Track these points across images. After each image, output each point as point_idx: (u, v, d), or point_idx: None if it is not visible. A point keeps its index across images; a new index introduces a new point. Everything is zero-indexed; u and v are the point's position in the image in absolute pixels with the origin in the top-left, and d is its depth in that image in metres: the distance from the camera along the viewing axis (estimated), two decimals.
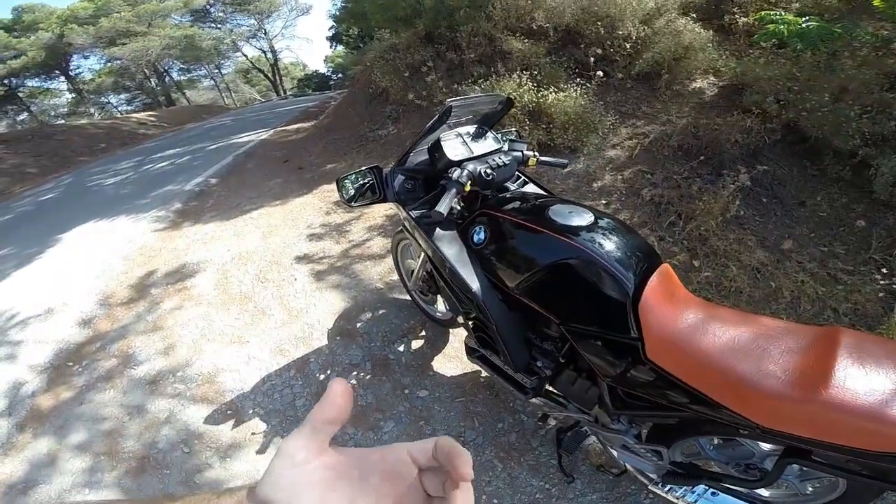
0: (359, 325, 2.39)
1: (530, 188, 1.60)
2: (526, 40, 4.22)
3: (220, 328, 2.53)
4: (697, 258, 2.45)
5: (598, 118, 3.38)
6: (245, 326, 2.51)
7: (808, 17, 2.75)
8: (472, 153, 1.46)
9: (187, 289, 2.98)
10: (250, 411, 1.96)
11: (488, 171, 1.37)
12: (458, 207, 1.50)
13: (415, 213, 1.48)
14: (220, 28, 27.05)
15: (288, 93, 30.37)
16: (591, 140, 3.34)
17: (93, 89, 26.79)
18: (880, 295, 2.07)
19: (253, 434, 1.86)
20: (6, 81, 22.06)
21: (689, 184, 2.80)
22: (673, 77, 3.70)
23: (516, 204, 1.37)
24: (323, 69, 36.79)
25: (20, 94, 24.08)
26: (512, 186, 1.58)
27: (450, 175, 1.32)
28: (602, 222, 1.21)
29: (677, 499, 1.21)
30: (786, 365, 0.87)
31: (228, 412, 1.98)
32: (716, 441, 1.20)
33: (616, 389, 1.16)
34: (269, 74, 32.10)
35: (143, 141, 12.36)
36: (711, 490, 1.16)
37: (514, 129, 1.74)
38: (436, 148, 1.44)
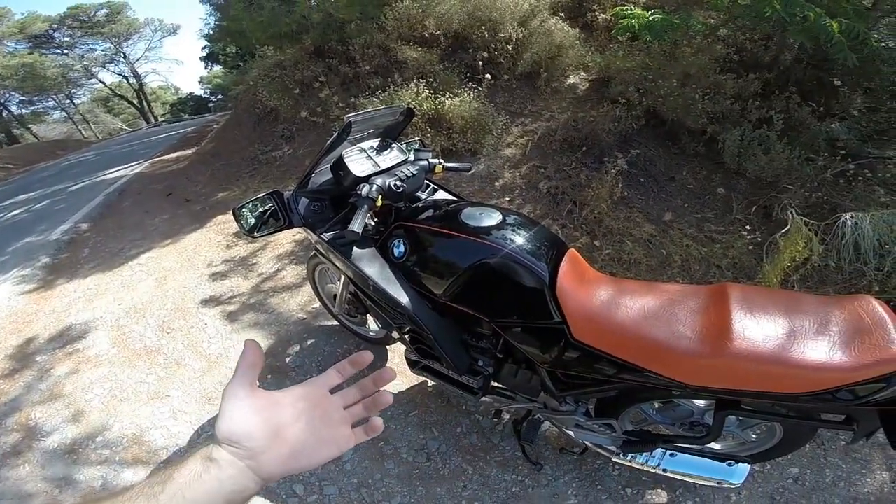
0: (288, 359, 2.28)
1: (440, 195, 1.63)
2: (419, 49, 4.29)
3: (131, 386, 2.27)
4: (597, 238, 2.70)
5: (491, 120, 3.56)
6: (160, 381, 2.28)
7: (653, 11, 3.14)
8: (379, 167, 1.45)
9: (80, 351, 2.60)
10: None
11: (398, 183, 1.37)
12: (372, 223, 1.49)
13: (327, 236, 1.43)
14: (67, 54, 23.70)
15: (160, 119, 27.55)
16: (488, 141, 3.51)
17: None
18: (750, 248, 2.46)
19: None
20: None
21: (577, 173, 3.07)
22: (550, 75, 4.02)
23: (430, 212, 1.40)
24: (199, 91, 33.93)
25: None
26: (423, 195, 1.59)
27: (359, 192, 1.30)
28: (509, 219, 1.28)
29: (641, 465, 1.31)
30: (692, 325, 0.98)
31: None
32: (657, 405, 1.33)
33: (555, 373, 1.24)
34: (135, 101, 28.89)
35: None
36: (669, 452, 1.27)
37: (417, 139, 1.76)
38: (339, 166, 1.40)
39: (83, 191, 7.11)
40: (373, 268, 1.35)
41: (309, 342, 2.36)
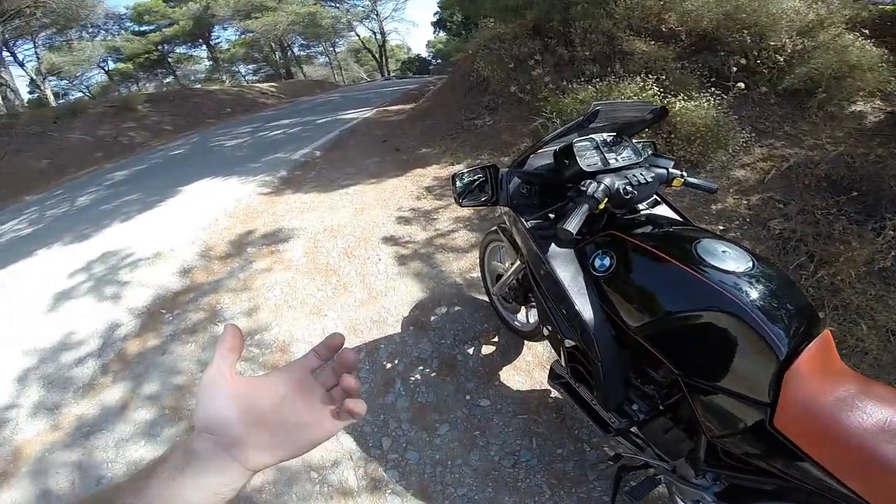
0: (433, 318, 2.35)
1: (662, 210, 1.39)
2: (652, 42, 3.87)
3: (302, 297, 2.62)
4: (823, 310, 2.08)
5: (731, 134, 2.99)
6: (326, 299, 2.58)
7: None
8: (608, 165, 1.26)
9: (279, 252, 3.14)
10: None
11: (628, 188, 1.17)
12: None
13: (529, 223, 1.33)
14: (338, 7, 28.54)
15: (391, 74, 31.42)
16: (718, 157, 2.97)
17: (227, 58, 29.72)
18: None
19: None
20: (160, 47, 25.19)
21: (830, 222, 2.38)
22: (829, 97, 3.17)
23: (651, 229, 1.18)
24: (424, 53, 37.62)
25: (169, 60, 27.39)
26: (642, 206, 1.37)
27: (583, 188, 1.14)
28: (761, 270, 1.00)
29: None
30: None
31: None
32: None
33: (716, 447, 1.01)
34: (377, 55, 33.41)
35: (262, 109, 13.44)
36: None
37: (651, 141, 1.53)
38: (566, 153, 1.26)
39: (325, 125, 8.52)
40: (567, 272, 1.21)
41: (456, 308, 2.40)
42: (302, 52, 31.93)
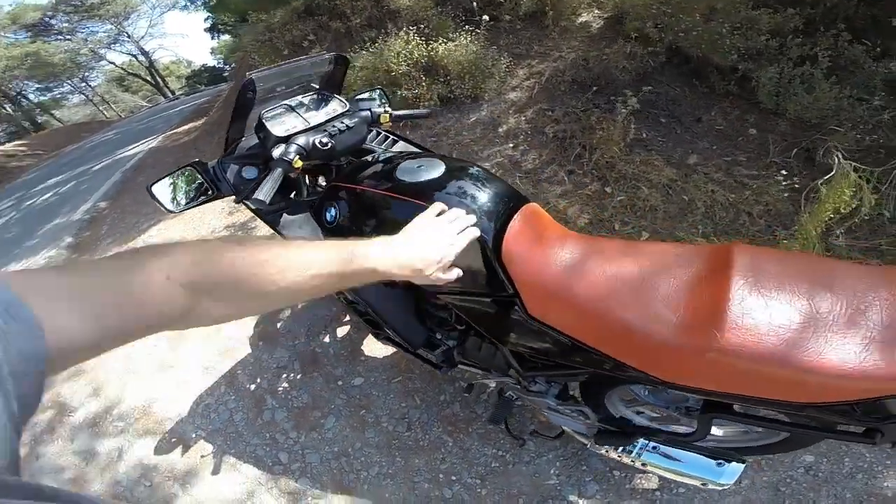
0: (279, 325, 2.25)
1: (400, 146, 1.44)
2: None
3: (141, 359, 2.34)
4: (609, 185, 2.49)
5: (492, 63, 3.30)
6: (165, 352, 2.33)
7: None
8: (308, 124, 1.26)
9: None
10: (193, 435, 1.87)
11: (324, 140, 1.18)
12: (306, 185, 1.35)
13: (252, 205, 1.24)
14: (70, 39, 23.71)
15: (178, 92, 27.70)
16: (490, 86, 3.27)
17: None
18: (786, 195, 2.20)
19: (202, 457, 1.77)
20: None
21: (587, 115, 2.82)
22: (558, 13, 3.68)
23: (368, 170, 1.21)
24: (212, 62, 33.83)
25: None
26: (380, 148, 1.41)
27: (273, 154, 1.12)
28: (455, 171, 1.07)
29: (618, 456, 1.12)
30: (676, 303, 0.73)
31: (173, 440, 1.87)
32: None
33: (519, 351, 1.05)
34: (149, 78, 29.04)
35: (18, 174, 10.82)
36: (652, 444, 1.06)
37: (379, 88, 1.55)
38: (260, 127, 1.23)
39: (103, 170, 7.27)
40: (304, 235, 1.20)
41: (300, 306, 2.31)
42: (43, 97, 26.00)
